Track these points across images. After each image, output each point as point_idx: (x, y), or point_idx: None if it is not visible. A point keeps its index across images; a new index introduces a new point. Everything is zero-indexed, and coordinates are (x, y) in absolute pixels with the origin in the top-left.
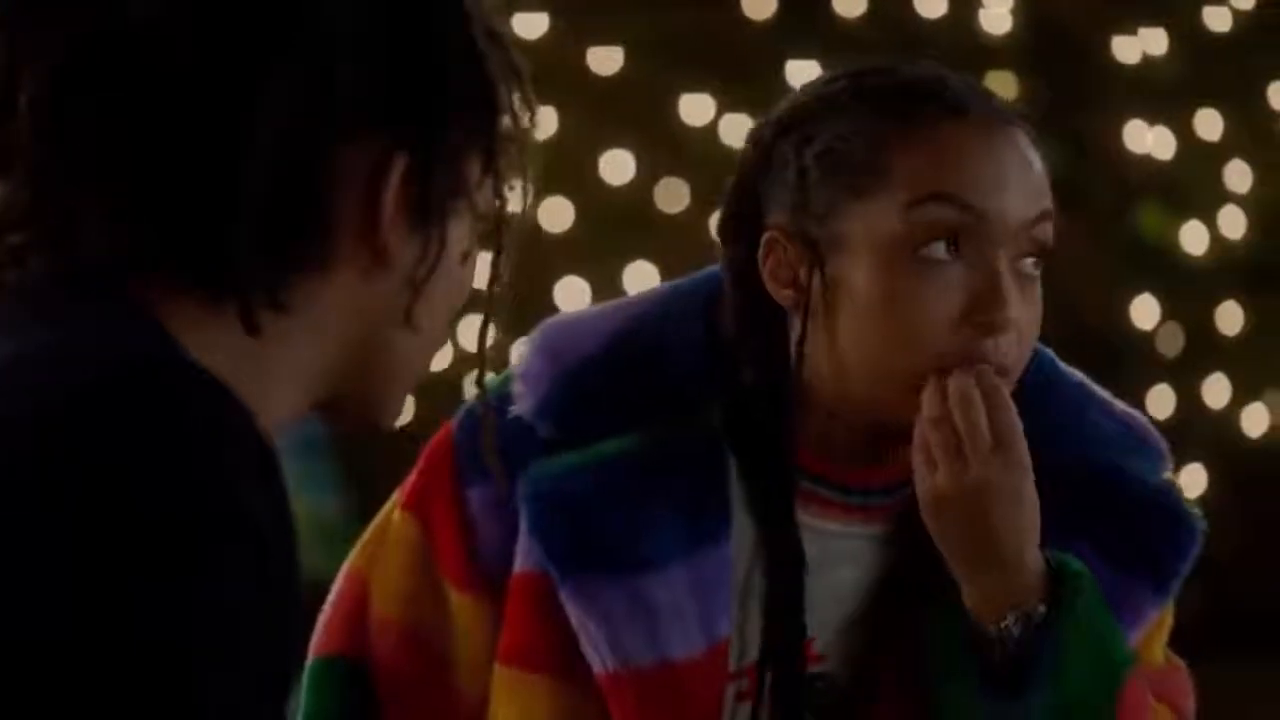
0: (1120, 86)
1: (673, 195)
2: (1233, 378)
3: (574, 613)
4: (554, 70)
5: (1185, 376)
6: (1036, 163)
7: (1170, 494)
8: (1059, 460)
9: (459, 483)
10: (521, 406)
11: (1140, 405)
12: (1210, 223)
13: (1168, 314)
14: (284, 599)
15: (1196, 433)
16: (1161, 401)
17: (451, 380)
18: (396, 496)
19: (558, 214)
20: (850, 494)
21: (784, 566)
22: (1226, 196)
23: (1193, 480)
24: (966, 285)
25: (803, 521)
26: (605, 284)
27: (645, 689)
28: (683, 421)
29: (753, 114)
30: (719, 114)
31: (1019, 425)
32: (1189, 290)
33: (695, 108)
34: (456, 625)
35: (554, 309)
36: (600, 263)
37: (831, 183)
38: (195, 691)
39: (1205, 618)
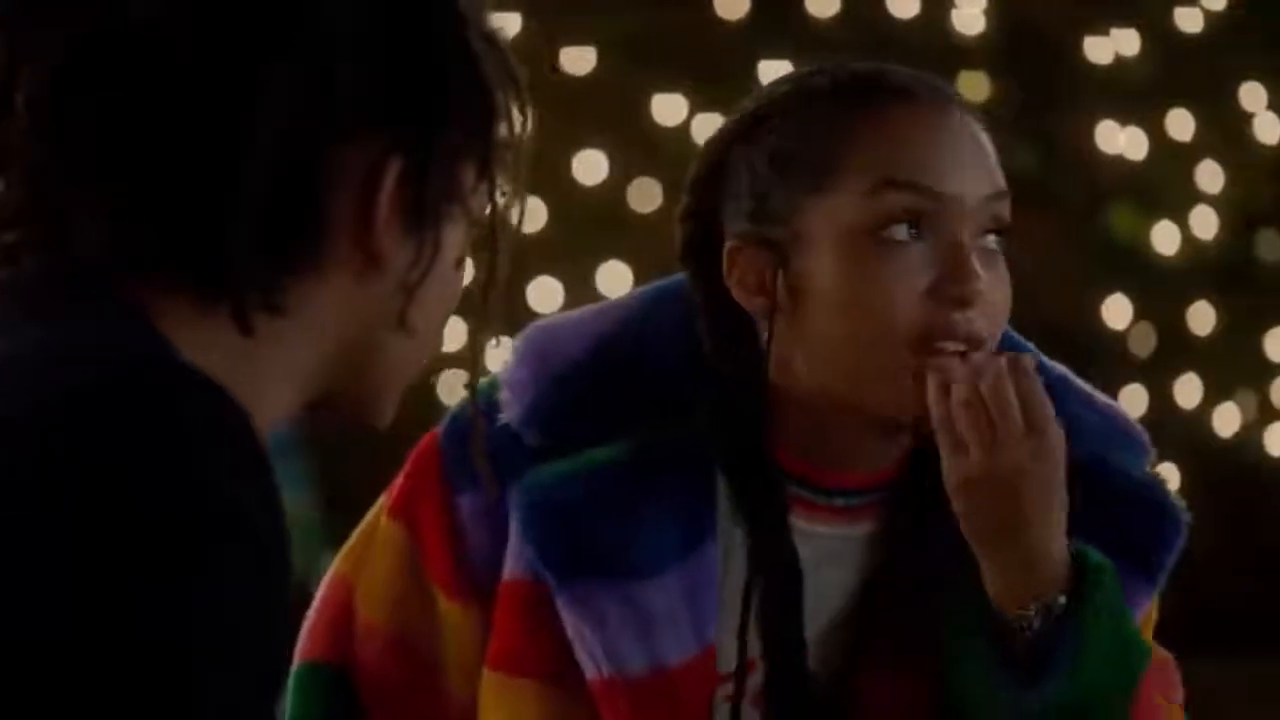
0: (1092, 87)
1: (645, 195)
2: (1204, 377)
3: (570, 620)
4: (527, 70)
5: (1157, 376)
6: (986, 141)
7: (1155, 486)
8: None
9: (447, 489)
10: (508, 414)
11: None
12: (1182, 223)
13: (1140, 314)
14: (278, 598)
15: (1168, 432)
16: (1134, 401)
17: (424, 381)
18: (382, 502)
19: (530, 214)
20: (832, 496)
21: (779, 569)
22: (1198, 197)
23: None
24: (931, 262)
25: (789, 523)
26: (578, 284)
27: (638, 695)
28: (669, 426)
29: (725, 114)
30: (691, 114)
31: (1052, 412)
32: (1161, 290)
33: (668, 108)
34: (444, 631)
35: (527, 309)
36: (573, 263)
37: (787, 183)
38: (194, 691)
39: (1178, 616)
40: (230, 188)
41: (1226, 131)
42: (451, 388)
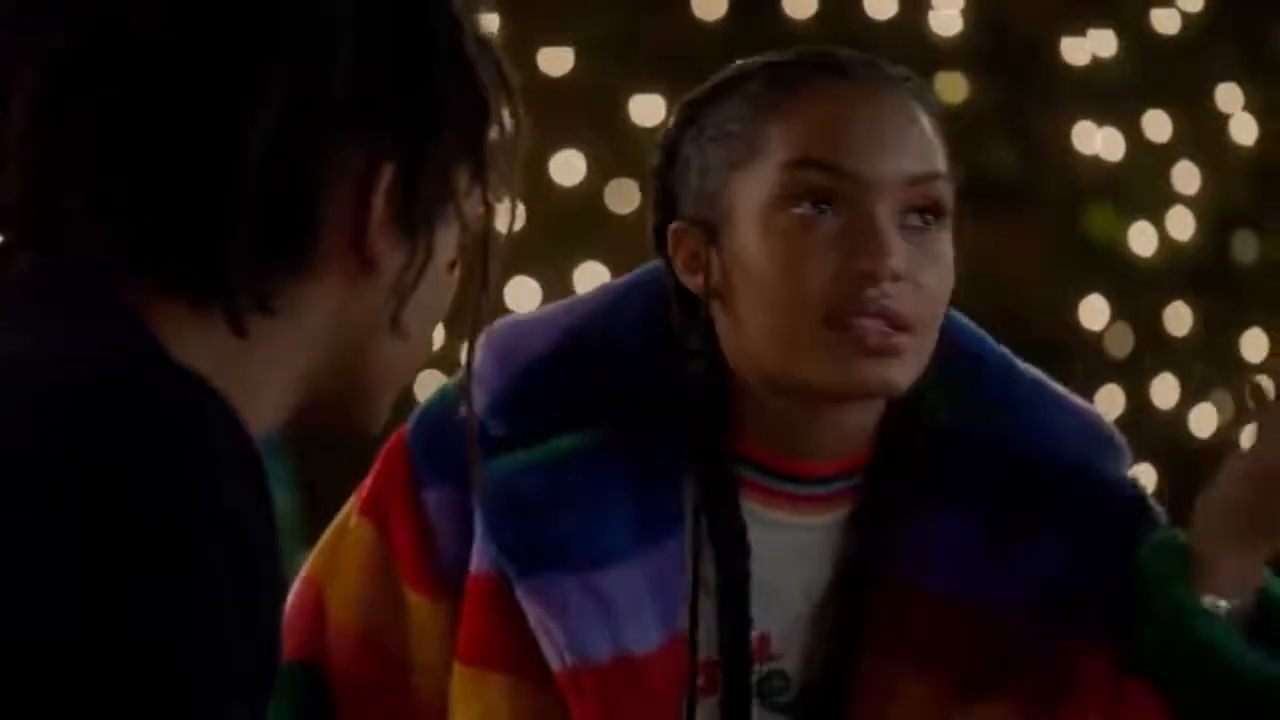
0: (1069, 88)
1: (623, 195)
2: (1181, 378)
3: (531, 611)
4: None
5: (1134, 376)
6: (923, 125)
7: (1134, 488)
8: (1024, 455)
9: (414, 486)
10: (474, 406)
11: None
12: (1159, 224)
13: (1116, 314)
14: (271, 598)
15: (1145, 432)
16: (1111, 401)
17: None
18: (352, 502)
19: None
20: (801, 484)
21: (727, 550)
22: (1175, 198)
23: (1143, 479)
24: (844, 239)
25: (751, 512)
26: (556, 284)
27: (604, 684)
28: (633, 416)
29: None
30: (669, 115)
31: None
32: (1138, 291)
33: (645, 108)
34: (414, 628)
35: (504, 309)
36: (551, 263)
37: (718, 162)
38: (192, 690)
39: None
40: (225, 188)
41: (1203, 133)
42: (427, 388)
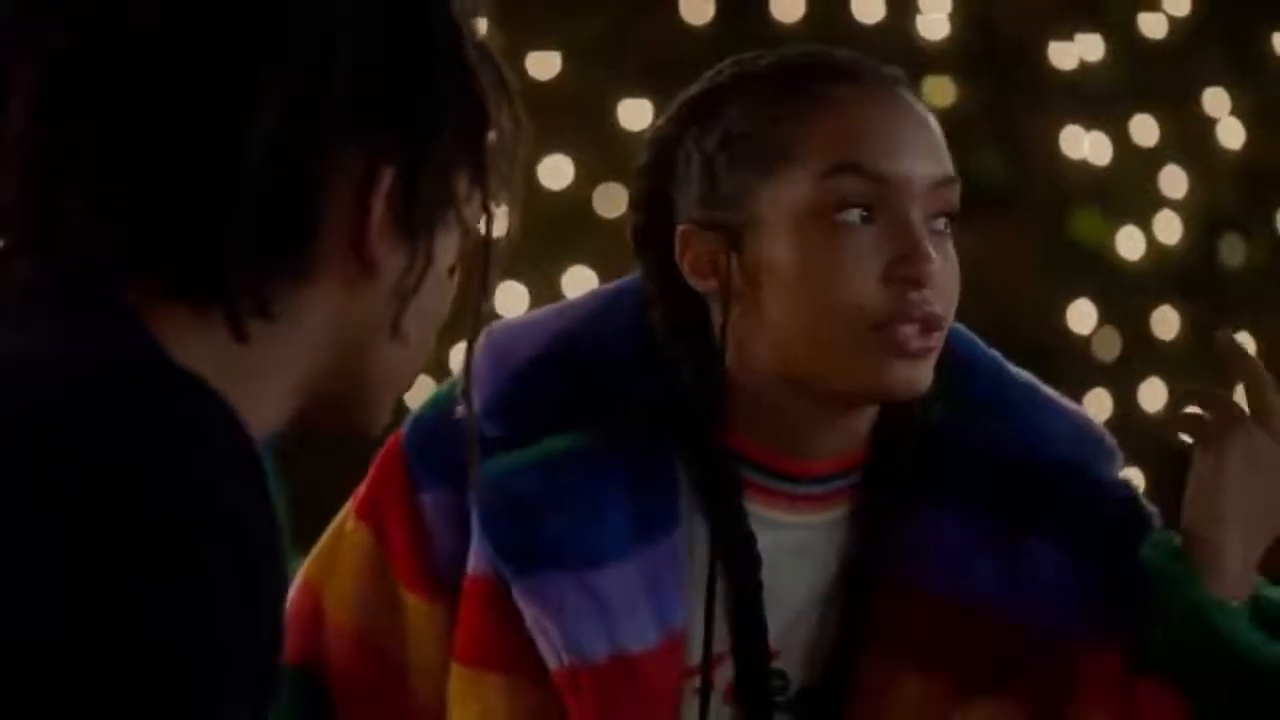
0: (1056, 92)
1: (611, 200)
2: (1168, 381)
3: (528, 611)
4: None
5: (1122, 380)
6: (934, 125)
7: (1126, 490)
8: (1018, 456)
9: (411, 489)
10: (467, 411)
11: None
12: (1146, 228)
13: (1104, 318)
14: (271, 598)
15: (1133, 436)
16: (1099, 405)
17: None
18: (349, 505)
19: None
20: (798, 483)
21: (736, 558)
22: (1162, 202)
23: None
24: (885, 244)
25: (749, 511)
26: (544, 289)
27: (601, 683)
28: (627, 416)
29: None
30: (657, 119)
31: None
32: (1125, 294)
33: (633, 112)
34: (411, 630)
35: (493, 313)
36: (538, 268)
37: (738, 167)
38: (191, 690)
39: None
40: (225, 189)
41: (1190, 137)
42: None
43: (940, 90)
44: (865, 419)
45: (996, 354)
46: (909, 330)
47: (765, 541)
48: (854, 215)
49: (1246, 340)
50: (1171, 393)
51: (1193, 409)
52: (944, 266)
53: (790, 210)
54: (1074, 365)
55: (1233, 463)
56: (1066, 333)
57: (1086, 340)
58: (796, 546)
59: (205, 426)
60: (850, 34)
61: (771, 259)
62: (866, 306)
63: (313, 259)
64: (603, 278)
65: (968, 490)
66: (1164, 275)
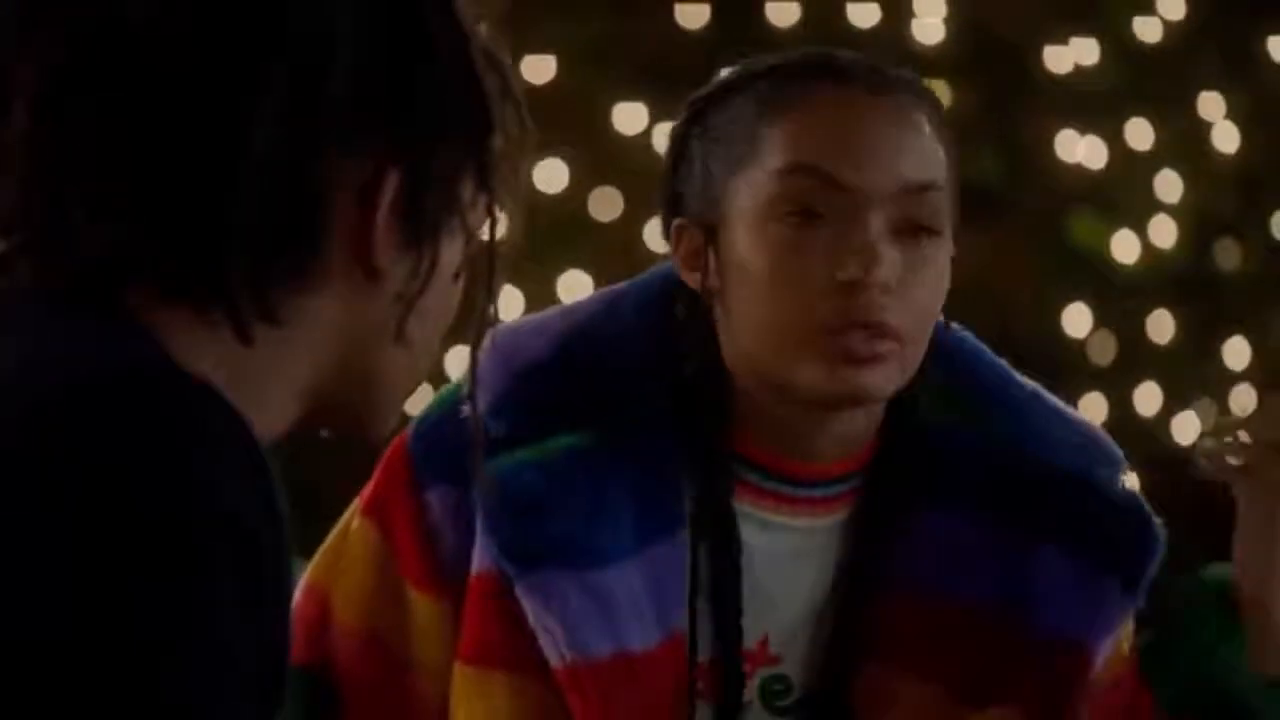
0: (1052, 96)
1: (606, 204)
2: (1164, 386)
3: (531, 608)
4: None
5: (1117, 384)
6: (923, 132)
7: (1133, 499)
8: (1022, 464)
9: (416, 488)
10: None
11: None
12: (1141, 232)
13: (1099, 322)
14: (277, 600)
15: (1129, 440)
16: (1094, 409)
17: None
18: (355, 505)
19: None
20: (800, 486)
21: (720, 559)
22: (1157, 206)
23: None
24: (834, 247)
25: (750, 515)
26: (539, 292)
27: (604, 681)
28: (631, 417)
29: None
30: (652, 123)
31: None
32: (1121, 298)
33: (628, 116)
34: (418, 628)
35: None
36: (534, 271)
37: (719, 165)
38: (191, 692)
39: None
40: (225, 192)
41: (1186, 141)
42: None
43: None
44: (862, 423)
45: (1003, 362)
46: (856, 336)
47: (764, 544)
48: (807, 214)
49: (1241, 345)
50: (1167, 397)
51: (1229, 441)
52: (910, 276)
53: (752, 208)
54: (1069, 369)
55: None
56: (1062, 336)
57: (1082, 344)
58: (797, 550)
59: (207, 427)
60: (845, 38)
61: (737, 257)
62: (815, 309)
63: (316, 263)
64: (597, 281)
65: (971, 495)
66: (1159, 279)
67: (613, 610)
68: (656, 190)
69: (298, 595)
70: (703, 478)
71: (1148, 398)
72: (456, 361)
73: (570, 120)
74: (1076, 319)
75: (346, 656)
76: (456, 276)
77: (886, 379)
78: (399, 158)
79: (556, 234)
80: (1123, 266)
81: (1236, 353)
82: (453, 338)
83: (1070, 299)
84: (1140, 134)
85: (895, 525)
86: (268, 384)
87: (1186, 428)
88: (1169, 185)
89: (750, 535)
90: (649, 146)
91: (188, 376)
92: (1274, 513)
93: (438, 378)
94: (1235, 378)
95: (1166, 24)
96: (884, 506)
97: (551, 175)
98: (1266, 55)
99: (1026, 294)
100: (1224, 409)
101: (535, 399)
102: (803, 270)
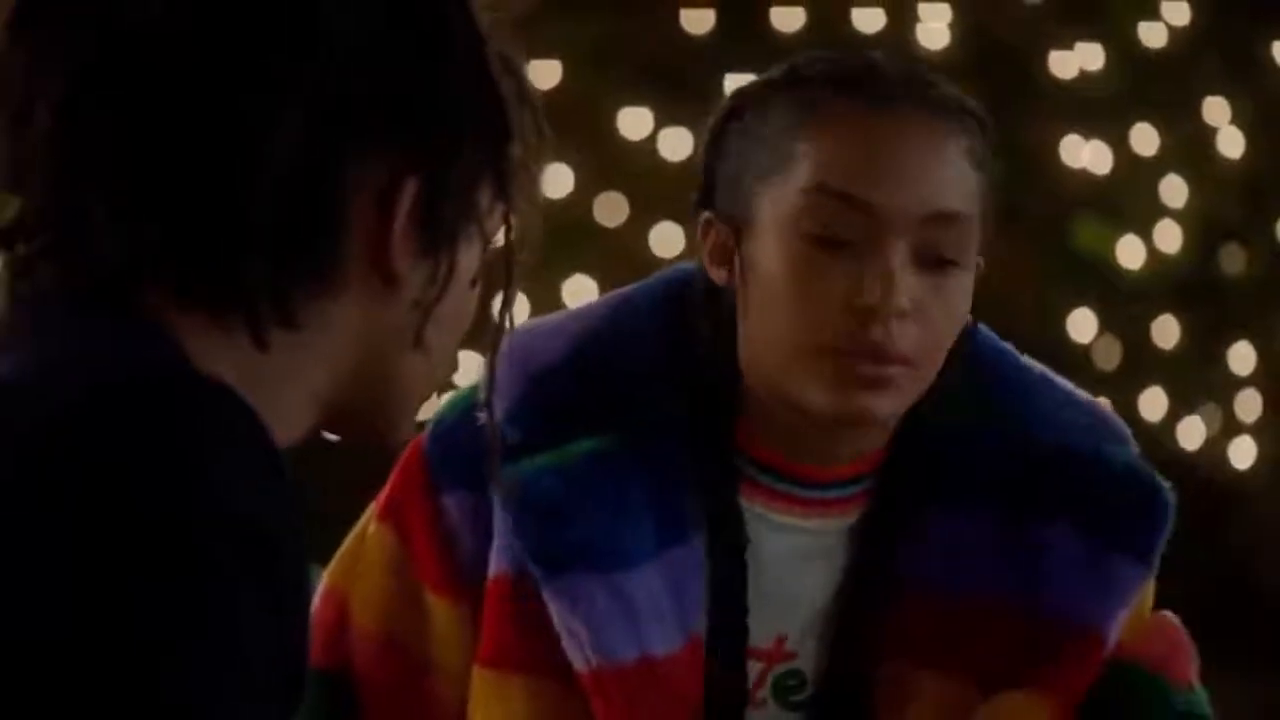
0: (1057, 100)
1: (612, 208)
2: (1169, 391)
3: (557, 613)
4: None
5: (1122, 389)
6: (953, 157)
7: (1142, 470)
8: (1035, 450)
9: (433, 491)
10: (487, 415)
11: None
12: (1146, 237)
13: (1104, 327)
14: (292, 601)
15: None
16: None
17: None
18: (371, 510)
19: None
20: (809, 488)
21: (727, 559)
22: (1163, 211)
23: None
24: (857, 272)
25: (763, 516)
26: (545, 297)
27: (628, 685)
28: (647, 419)
29: (692, 127)
30: (658, 127)
31: None
32: (1125, 303)
33: (634, 121)
34: (436, 631)
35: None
36: (539, 276)
37: (750, 166)
38: (192, 691)
39: None
40: (246, 196)
41: (1190, 146)
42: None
43: None
44: (874, 432)
45: (1009, 347)
46: (866, 359)
47: (776, 545)
48: (824, 235)
49: (1246, 349)
50: (1172, 402)
51: None
52: (930, 303)
53: (777, 221)
54: (1074, 374)
55: None
56: (1067, 342)
57: (1086, 349)
58: (809, 550)
59: (223, 429)
60: (850, 43)
61: (758, 263)
62: (828, 331)
63: (334, 269)
64: (603, 286)
65: (984, 492)
66: (1164, 284)
67: (636, 613)
68: (680, 186)
69: (316, 599)
70: (713, 478)
71: (1153, 403)
72: (468, 366)
73: (575, 125)
74: (1081, 324)
75: (364, 660)
76: (474, 283)
77: (893, 403)
78: (418, 165)
79: (561, 239)
80: (1127, 271)
81: (1241, 357)
82: (465, 343)
83: (1075, 304)
84: (1145, 139)
85: (908, 526)
86: (284, 389)
87: (1192, 432)
88: (1174, 190)
89: (762, 537)
90: (654, 151)
91: (205, 379)
92: None
93: (445, 384)
94: (1240, 382)
95: (1171, 29)
96: (896, 508)
97: (556, 180)
98: (1271, 60)
99: (1031, 299)
100: (1229, 414)
101: (551, 403)
102: (820, 291)
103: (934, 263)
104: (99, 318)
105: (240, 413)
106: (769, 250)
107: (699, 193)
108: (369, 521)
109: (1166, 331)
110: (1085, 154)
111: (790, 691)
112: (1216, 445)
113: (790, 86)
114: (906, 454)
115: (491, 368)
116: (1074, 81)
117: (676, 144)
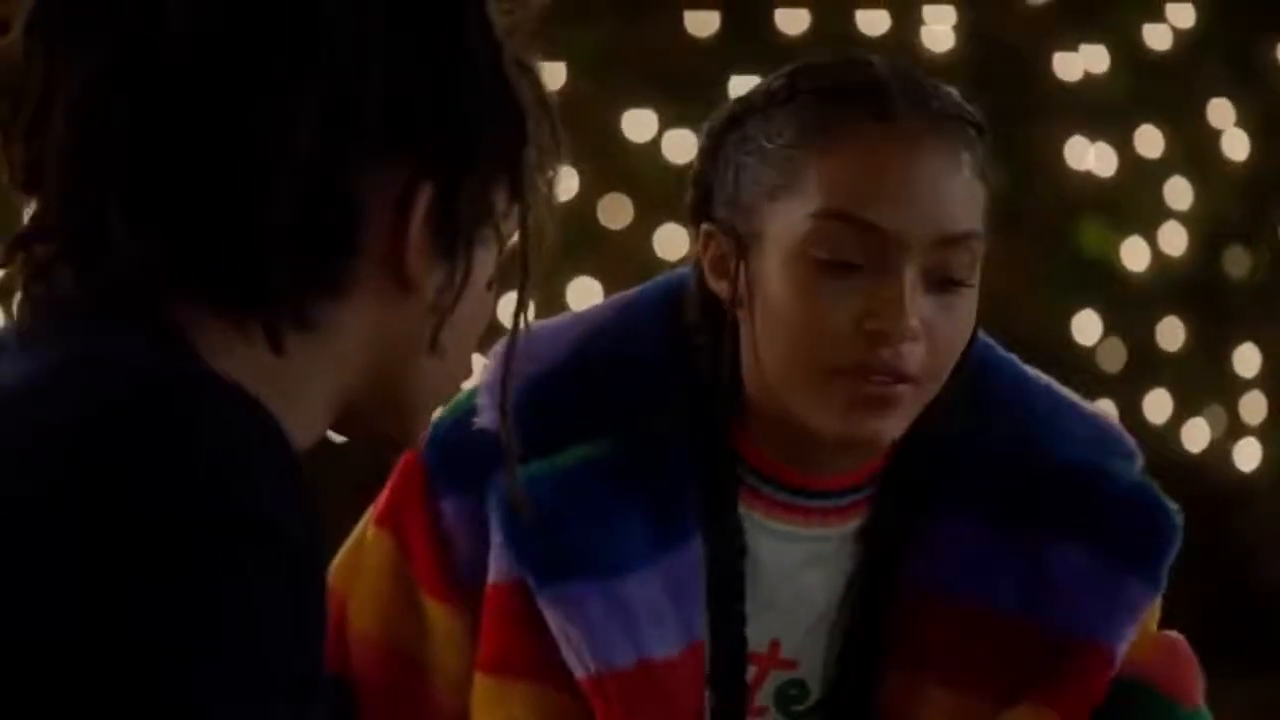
0: (1061, 103)
1: (616, 211)
2: (1174, 393)
3: (554, 619)
4: None
5: (1127, 392)
6: (963, 175)
7: (1148, 489)
8: (1038, 460)
9: (431, 497)
10: (485, 418)
11: None
12: (1151, 239)
13: (1109, 329)
14: (306, 601)
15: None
16: None
17: None
18: (369, 515)
19: None
20: (809, 496)
21: (725, 565)
22: (1167, 213)
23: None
24: (868, 293)
25: (762, 524)
26: (549, 300)
27: (628, 690)
28: (645, 425)
29: (696, 130)
30: (662, 130)
31: None
32: (1130, 306)
33: (638, 124)
34: (435, 637)
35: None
36: (544, 279)
37: (756, 180)
38: (194, 691)
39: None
40: (262, 203)
41: (1195, 148)
42: None
43: None
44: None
45: (1014, 357)
46: (873, 381)
47: (775, 553)
48: (836, 258)
49: (1251, 352)
50: (1176, 404)
51: None
52: (940, 322)
53: (786, 239)
54: (1079, 376)
55: None
56: (1071, 344)
57: (1091, 351)
58: (809, 558)
59: (235, 427)
60: (855, 46)
61: (765, 280)
62: (834, 352)
63: (351, 273)
64: (607, 289)
65: (986, 500)
66: (1169, 286)
67: (634, 619)
68: (684, 188)
69: None
70: (711, 484)
71: (1158, 405)
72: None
73: (580, 127)
74: (1086, 326)
75: (363, 664)
76: (489, 286)
77: (898, 423)
78: (433, 169)
79: (566, 242)
80: (1132, 274)
81: (1246, 360)
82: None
83: (1080, 306)
84: (1150, 141)
85: (909, 533)
86: (300, 392)
87: (1197, 435)
88: (1178, 192)
89: (761, 544)
90: (658, 154)
91: (221, 381)
92: None
93: None
94: (1245, 385)
95: (1176, 31)
96: (897, 515)
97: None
98: (1276, 63)
99: (1036, 301)
100: (1234, 416)
101: (549, 408)
102: (830, 315)
103: (943, 283)
104: (115, 320)
105: (255, 414)
106: (776, 271)
107: (693, 200)
108: (367, 526)
109: (1171, 334)
110: (1090, 156)
111: (793, 701)
112: (1221, 447)
113: (793, 100)
114: (907, 463)
115: (506, 372)
116: (1078, 84)
117: (681, 146)
